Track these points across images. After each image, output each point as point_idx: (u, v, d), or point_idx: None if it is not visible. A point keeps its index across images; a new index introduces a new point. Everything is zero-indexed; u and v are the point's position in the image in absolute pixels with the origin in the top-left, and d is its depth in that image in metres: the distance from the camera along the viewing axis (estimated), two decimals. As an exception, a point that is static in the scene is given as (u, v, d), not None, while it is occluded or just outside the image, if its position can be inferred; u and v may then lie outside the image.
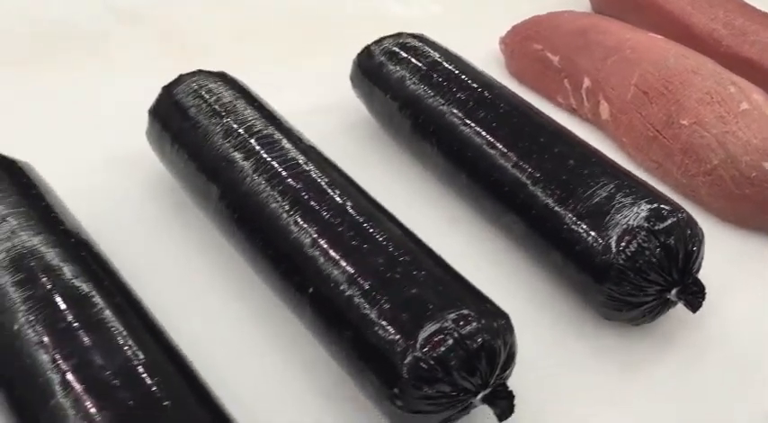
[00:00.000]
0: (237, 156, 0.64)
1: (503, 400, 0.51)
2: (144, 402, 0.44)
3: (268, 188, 0.61)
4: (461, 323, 0.50)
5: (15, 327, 0.48)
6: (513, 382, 0.53)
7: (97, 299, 0.50)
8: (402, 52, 0.78)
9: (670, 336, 0.62)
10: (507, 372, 0.52)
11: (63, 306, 0.49)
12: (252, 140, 0.65)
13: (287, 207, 0.60)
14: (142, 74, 0.83)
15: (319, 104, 0.84)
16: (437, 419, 0.52)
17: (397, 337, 0.50)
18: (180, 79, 0.71)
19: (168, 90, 0.71)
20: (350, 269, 0.54)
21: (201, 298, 0.64)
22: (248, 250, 0.62)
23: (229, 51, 0.92)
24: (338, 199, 0.60)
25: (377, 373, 0.51)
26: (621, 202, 0.60)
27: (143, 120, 0.71)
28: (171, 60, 0.89)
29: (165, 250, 0.68)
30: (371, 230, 0.57)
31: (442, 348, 0.49)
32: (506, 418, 0.51)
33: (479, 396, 0.51)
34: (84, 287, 0.51)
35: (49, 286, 0.50)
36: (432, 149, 0.73)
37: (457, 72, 0.75)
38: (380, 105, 0.79)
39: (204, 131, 0.67)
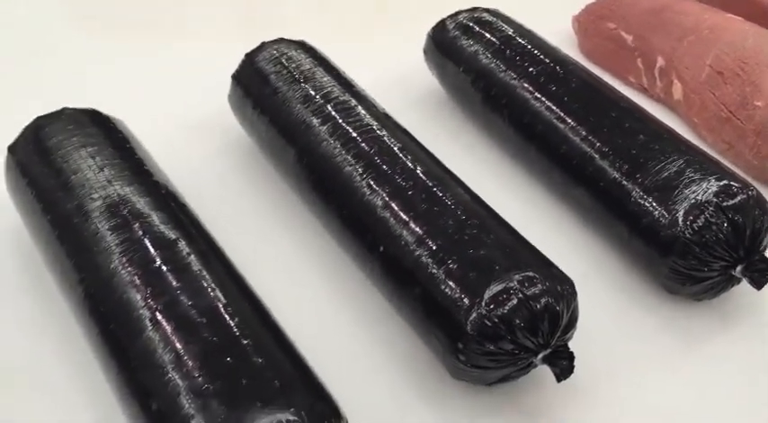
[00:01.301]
0: (315, 121, 0.67)
1: (563, 361, 0.52)
2: (226, 340, 0.47)
3: (343, 152, 0.64)
4: (527, 284, 0.52)
5: (111, 267, 0.52)
6: (572, 347, 0.54)
7: (184, 245, 0.54)
8: (476, 26, 0.79)
9: (733, 313, 0.63)
10: (568, 335, 0.54)
11: (153, 250, 0.53)
12: (329, 106, 0.68)
13: (360, 170, 0.62)
14: (223, 42, 0.87)
15: (391, 76, 0.86)
16: (497, 376, 0.54)
17: (464, 294, 0.52)
18: (262, 46, 0.74)
19: (251, 57, 0.74)
20: (420, 229, 0.56)
21: (274, 252, 0.67)
22: (322, 210, 0.65)
23: (304, 23, 0.95)
24: (410, 164, 0.62)
25: (442, 328, 0.53)
26: (691, 177, 0.61)
27: (224, 85, 0.75)
28: (249, 30, 0.93)
29: (240, 207, 0.71)
30: (441, 194, 0.59)
31: (507, 307, 0.51)
32: (565, 378, 0.53)
33: (540, 356, 0.53)
34: (172, 234, 0.54)
35: (140, 231, 0.54)
36: (502, 122, 0.74)
37: (530, 47, 0.76)
38: (453, 78, 0.80)
39: (284, 97, 0.70)
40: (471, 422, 0.56)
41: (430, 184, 0.60)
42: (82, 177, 0.57)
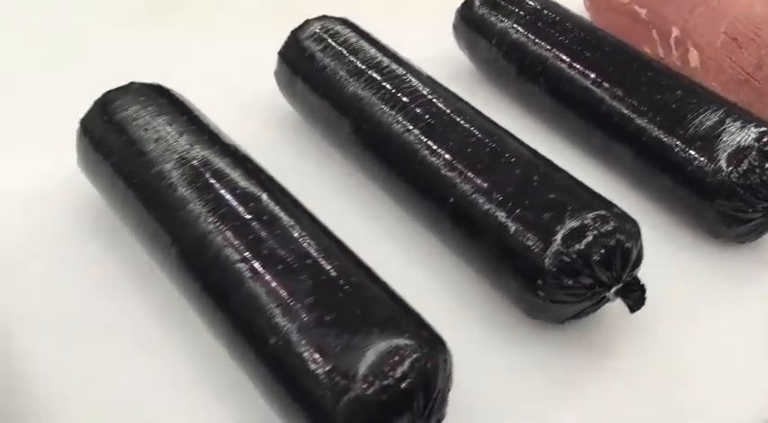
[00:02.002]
0: (367, 91, 0.70)
1: (635, 293, 0.56)
2: (330, 279, 0.50)
3: (399, 118, 0.67)
4: (599, 222, 0.55)
5: (202, 225, 0.55)
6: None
7: (268, 199, 0.56)
8: (503, 1, 0.83)
9: (775, 253, 0.67)
10: (636, 270, 0.57)
11: (241, 205, 0.55)
12: (379, 76, 0.71)
13: (419, 133, 0.65)
14: (262, 24, 0.89)
15: (422, 54, 0.89)
16: (572, 311, 0.57)
17: (541, 234, 0.55)
18: (306, 23, 0.77)
19: (296, 34, 0.77)
20: (488, 180, 0.60)
21: (337, 218, 0.69)
22: (383, 175, 0.68)
23: (333, 2, 0.97)
24: (466, 124, 0.65)
25: (520, 268, 0.56)
26: (730, 125, 0.65)
27: (264, 63, 0.77)
28: (277, 14, 0.95)
29: (299, 178, 0.73)
30: (501, 149, 0.62)
31: (583, 243, 0.54)
32: (638, 308, 0.56)
33: (613, 290, 0.56)
34: (256, 190, 0.57)
35: (227, 189, 0.56)
36: (539, 90, 0.78)
37: (559, 18, 0.80)
38: (484, 52, 0.84)
39: (333, 70, 0.72)
40: (546, 359, 0.59)
41: (488, 141, 0.63)
42: (163, 143, 0.59)
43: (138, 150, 0.60)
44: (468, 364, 0.53)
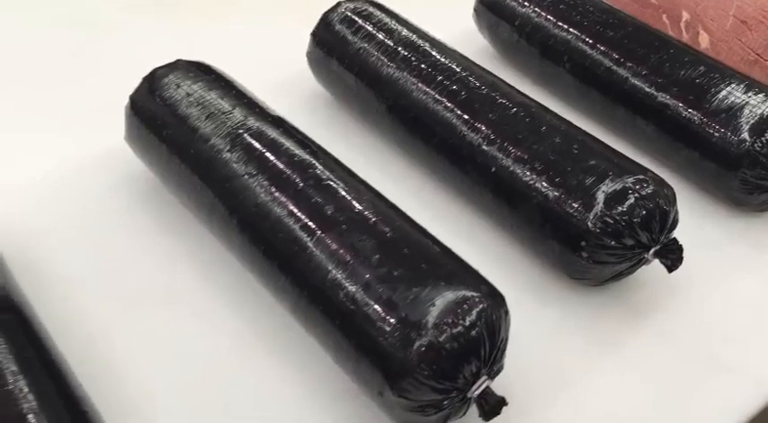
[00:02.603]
0: (402, 70, 0.72)
1: (673, 254, 0.59)
2: (391, 237, 0.52)
3: (436, 94, 0.69)
4: (639, 186, 0.58)
5: (261, 194, 0.57)
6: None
7: (322, 167, 0.58)
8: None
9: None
10: (672, 232, 0.60)
11: (297, 173, 0.57)
12: (413, 55, 0.73)
13: (456, 109, 0.68)
14: (291, 6, 0.92)
15: (442, 38, 0.92)
16: (613, 272, 0.60)
17: (584, 196, 0.58)
18: (338, 5, 0.79)
19: (328, 15, 0.79)
20: (529, 149, 0.62)
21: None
22: (421, 152, 0.71)
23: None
24: (502, 99, 0.68)
25: (563, 231, 0.59)
26: (753, 98, 0.68)
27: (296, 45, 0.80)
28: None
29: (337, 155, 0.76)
30: (539, 120, 0.65)
31: (626, 205, 0.57)
32: (675, 268, 0.59)
33: (652, 251, 0.59)
34: (310, 158, 0.59)
35: (283, 158, 0.58)
36: (563, 71, 0.81)
37: (580, 0, 0.83)
38: (506, 35, 0.87)
39: (367, 51, 0.75)
40: (588, 320, 0.62)
41: (526, 113, 0.66)
42: (218, 116, 0.61)
43: (192, 124, 0.62)
44: (512, 327, 0.55)
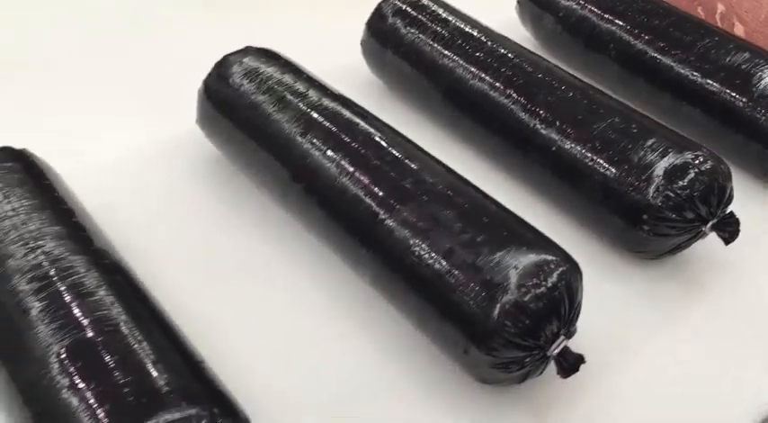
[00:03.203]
0: (458, 58, 0.75)
1: (731, 226, 0.62)
2: (468, 208, 0.55)
3: (492, 80, 0.72)
4: (699, 161, 0.61)
5: (337, 170, 0.60)
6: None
7: (394, 144, 0.62)
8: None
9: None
10: (728, 208, 0.63)
11: (372, 149, 0.61)
12: (468, 43, 0.76)
13: (512, 93, 0.71)
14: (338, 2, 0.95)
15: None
16: (671, 245, 0.63)
17: (647, 171, 0.61)
18: (390, -4, 0.82)
19: (381, 6, 0.82)
20: (590, 128, 0.65)
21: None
22: (480, 135, 0.74)
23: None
24: (556, 83, 0.71)
25: (625, 205, 0.62)
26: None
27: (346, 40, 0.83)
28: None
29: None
30: (596, 102, 0.68)
31: (686, 180, 0.60)
32: (732, 240, 0.62)
33: (710, 224, 0.62)
34: (383, 135, 0.62)
35: (358, 135, 0.62)
36: (608, 60, 0.83)
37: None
38: (551, 26, 0.90)
39: (423, 40, 0.78)
40: (647, 292, 0.64)
41: (582, 96, 0.69)
42: (293, 98, 0.64)
43: (267, 107, 0.65)
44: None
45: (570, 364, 0.51)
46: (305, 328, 0.60)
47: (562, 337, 0.51)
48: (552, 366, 0.52)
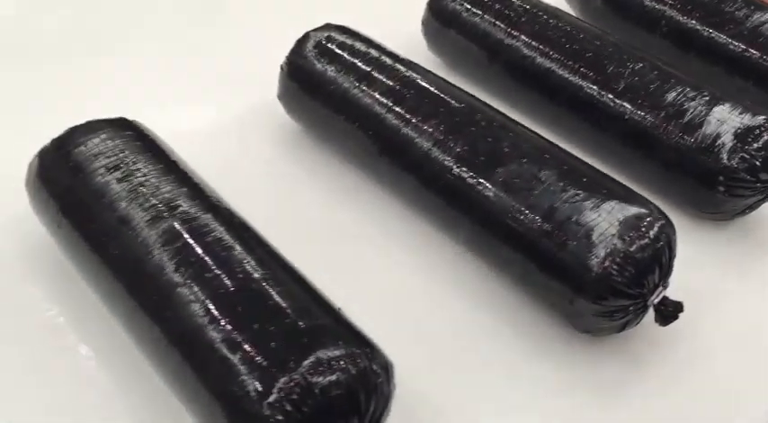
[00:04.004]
0: (526, 37, 0.78)
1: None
2: (566, 174, 0.58)
3: (562, 58, 0.75)
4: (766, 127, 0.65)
5: (434, 137, 0.63)
6: None
7: (485, 111, 0.66)
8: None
9: None
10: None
11: (465, 117, 0.64)
12: (535, 23, 0.79)
13: (583, 69, 0.73)
14: None
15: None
16: (744, 205, 0.66)
17: (720, 136, 0.65)
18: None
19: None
20: (662, 100, 0.68)
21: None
22: (546, 108, 0.77)
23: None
24: (626, 56, 0.74)
25: (700, 169, 0.65)
26: None
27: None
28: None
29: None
30: (666, 74, 0.71)
31: (761, 141, 0.64)
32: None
33: None
34: (474, 103, 0.65)
35: (450, 103, 0.65)
36: (658, 38, 0.86)
37: None
38: (600, 8, 0.93)
39: (485, 20, 0.80)
40: (715, 252, 0.68)
41: (651, 67, 0.72)
42: (380, 73, 0.68)
43: (352, 82, 0.68)
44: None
45: (670, 311, 0.54)
46: (404, 289, 0.63)
47: (661, 287, 0.55)
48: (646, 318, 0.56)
